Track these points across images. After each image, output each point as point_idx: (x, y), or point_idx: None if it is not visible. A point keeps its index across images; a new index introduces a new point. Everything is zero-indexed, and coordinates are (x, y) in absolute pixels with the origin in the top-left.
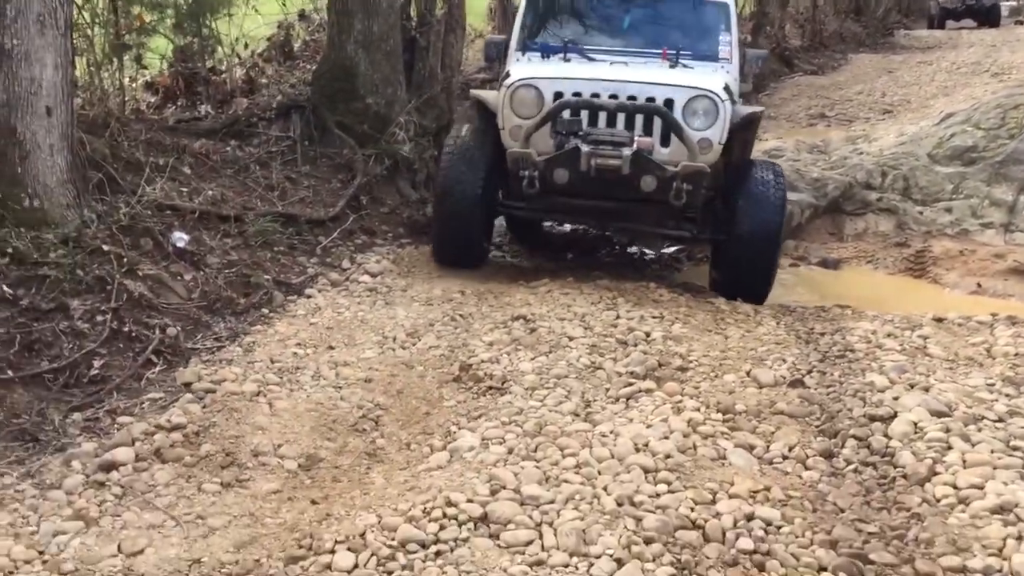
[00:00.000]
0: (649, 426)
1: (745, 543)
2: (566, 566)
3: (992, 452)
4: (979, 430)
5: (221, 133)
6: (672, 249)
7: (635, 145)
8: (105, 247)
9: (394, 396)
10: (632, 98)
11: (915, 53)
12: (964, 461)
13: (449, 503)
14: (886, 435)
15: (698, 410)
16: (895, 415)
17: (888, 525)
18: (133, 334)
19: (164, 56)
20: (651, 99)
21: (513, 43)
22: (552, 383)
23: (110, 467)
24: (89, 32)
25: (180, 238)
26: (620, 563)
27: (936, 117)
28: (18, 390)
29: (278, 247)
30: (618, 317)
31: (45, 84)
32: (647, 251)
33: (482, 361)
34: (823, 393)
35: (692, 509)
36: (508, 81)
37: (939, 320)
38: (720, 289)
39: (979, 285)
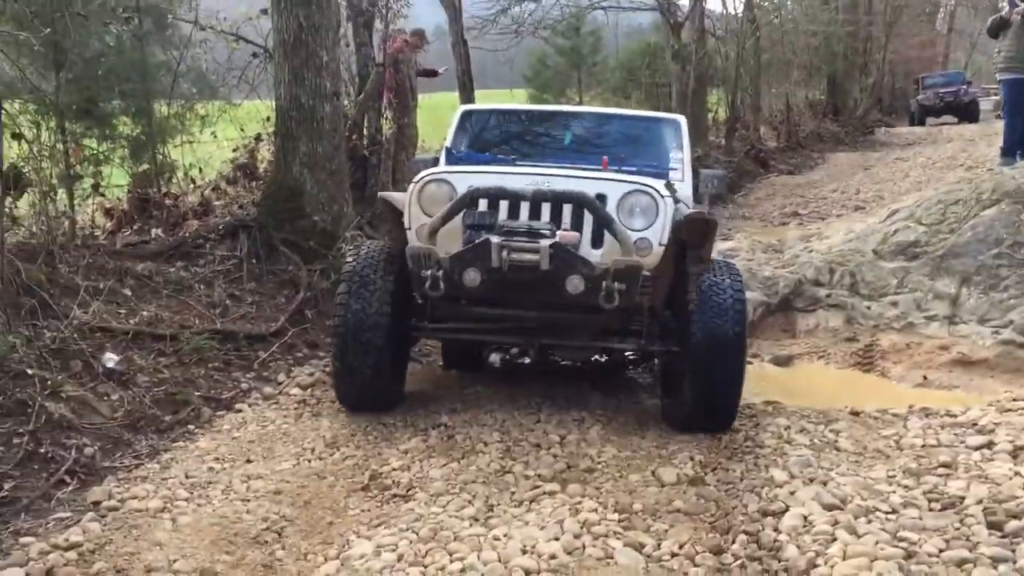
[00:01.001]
0: (543, 528)
1: None
2: None
3: (876, 544)
4: (868, 522)
5: (167, 255)
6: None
7: (558, 237)
8: (29, 371)
9: (301, 507)
10: None
11: (893, 150)
12: (845, 553)
13: None
14: (776, 529)
15: (595, 511)
16: (787, 509)
17: None
18: (49, 455)
19: (126, 184)
20: None
21: (442, 158)
22: (458, 488)
23: None
24: (39, 165)
25: (110, 359)
26: None
27: (883, 214)
28: None
29: (213, 363)
30: (538, 421)
31: None
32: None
33: (392, 469)
34: (722, 489)
35: None
36: (417, 177)
37: (855, 414)
38: (674, 418)
39: (925, 378)
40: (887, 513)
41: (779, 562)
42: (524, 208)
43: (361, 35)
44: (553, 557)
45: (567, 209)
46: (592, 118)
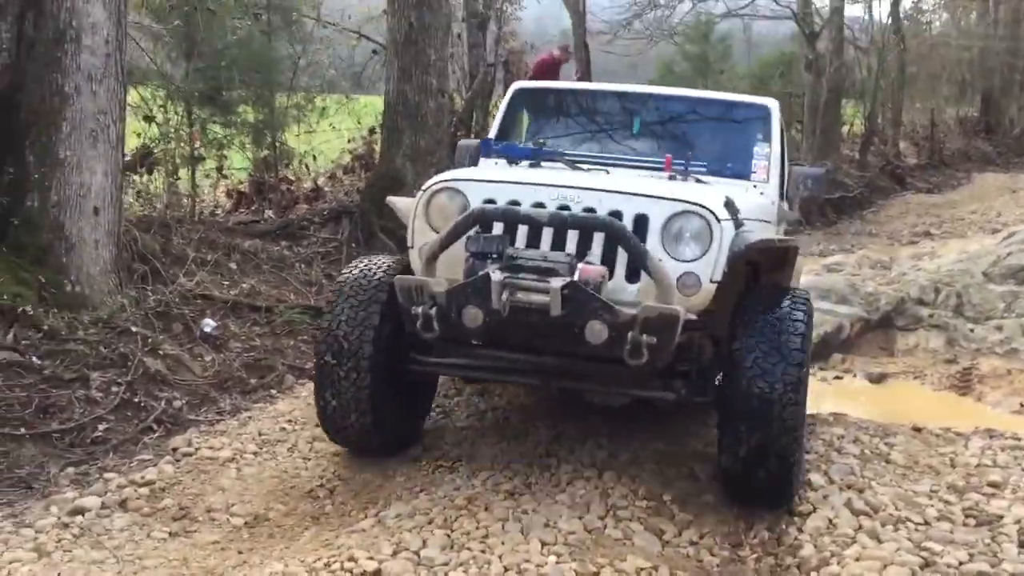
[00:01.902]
0: (570, 507)
1: None
2: None
3: (896, 550)
4: (896, 530)
5: (274, 234)
6: None
7: (576, 275)
8: (134, 328)
9: (355, 470)
10: (590, 211)
11: None
12: (860, 556)
13: (351, 559)
14: (800, 529)
15: (625, 496)
16: (814, 511)
17: None
18: (141, 404)
19: (247, 168)
20: (616, 214)
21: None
22: (501, 466)
23: (77, 512)
24: (166, 146)
25: (208, 324)
26: None
27: (999, 237)
28: (27, 445)
29: (302, 336)
30: (593, 414)
31: (95, 188)
32: None
33: (445, 444)
34: None
35: None
36: (425, 184)
37: (917, 430)
38: (728, 483)
39: (1022, 405)
40: (918, 524)
41: (793, 558)
42: (547, 232)
43: (475, 35)
44: (572, 533)
45: (599, 239)
46: (664, 101)
